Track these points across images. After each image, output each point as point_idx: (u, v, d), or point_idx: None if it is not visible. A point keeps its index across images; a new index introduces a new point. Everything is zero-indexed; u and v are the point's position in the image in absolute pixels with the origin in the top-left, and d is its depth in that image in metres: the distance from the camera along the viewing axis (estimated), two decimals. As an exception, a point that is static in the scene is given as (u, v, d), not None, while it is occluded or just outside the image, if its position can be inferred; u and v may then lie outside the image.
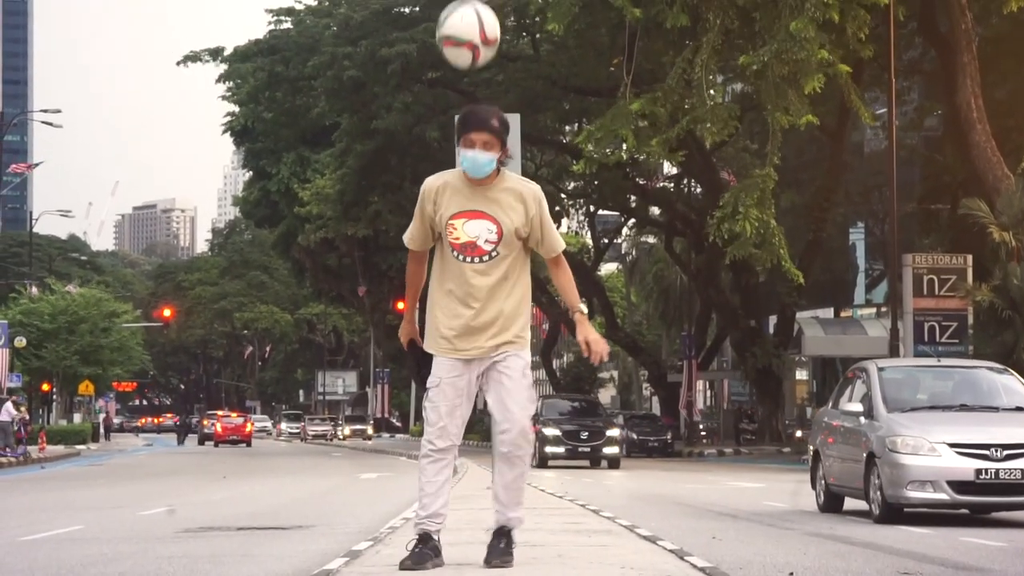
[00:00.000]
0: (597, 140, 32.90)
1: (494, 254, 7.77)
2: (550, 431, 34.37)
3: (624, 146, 32.51)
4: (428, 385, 7.93)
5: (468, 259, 7.77)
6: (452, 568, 7.99)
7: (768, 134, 32.05)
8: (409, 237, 7.97)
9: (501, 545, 7.93)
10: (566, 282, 7.99)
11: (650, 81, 34.26)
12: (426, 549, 7.95)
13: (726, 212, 31.62)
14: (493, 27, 7.93)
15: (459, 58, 8.01)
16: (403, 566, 7.92)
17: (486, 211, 7.76)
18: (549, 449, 34.13)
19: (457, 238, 7.76)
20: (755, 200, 31.14)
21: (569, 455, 34.25)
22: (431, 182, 7.90)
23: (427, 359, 8.01)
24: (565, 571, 7.94)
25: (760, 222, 31.40)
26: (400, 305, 70.87)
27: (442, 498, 7.97)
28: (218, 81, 59.97)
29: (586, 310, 7.98)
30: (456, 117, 8.00)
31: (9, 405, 47.02)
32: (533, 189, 7.87)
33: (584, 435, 34.33)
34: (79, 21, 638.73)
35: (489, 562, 7.88)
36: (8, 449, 43.70)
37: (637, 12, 31.00)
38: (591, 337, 7.87)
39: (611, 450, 34.58)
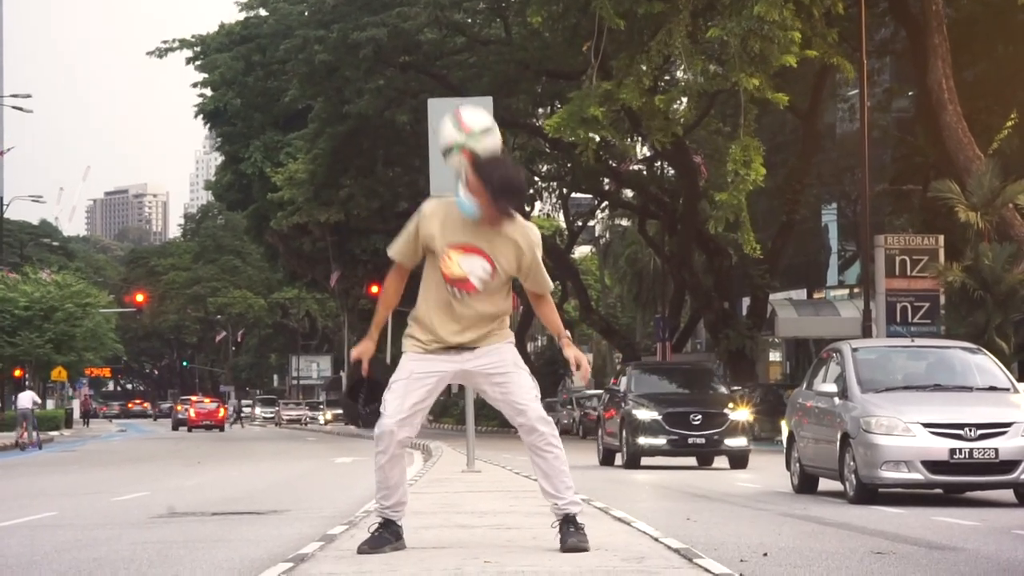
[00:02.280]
0: (564, 124, 32.89)
1: (481, 288, 7.80)
2: (644, 414, 24.27)
3: (593, 123, 32.10)
4: (395, 377, 7.89)
5: (457, 291, 7.78)
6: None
7: (740, 113, 32.16)
8: (396, 250, 7.90)
9: (571, 529, 7.93)
10: (550, 314, 8.08)
11: (617, 67, 34.23)
12: (386, 533, 8.03)
13: (737, 162, 31.53)
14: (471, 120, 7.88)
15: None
16: (360, 550, 8.01)
17: (484, 249, 7.74)
18: (643, 441, 24.04)
19: (450, 270, 7.74)
20: (761, 156, 31.37)
21: (674, 449, 24.21)
22: (433, 206, 7.86)
23: (364, 386, 8.04)
24: (540, 553, 7.94)
25: (745, 185, 31.47)
26: (374, 289, 70.76)
27: (401, 488, 8.00)
28: (189, 63, 59.68)
29: (570, 336, 8.07)
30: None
31: (32, 393, 47.55)
32: (530, 236, 7.82)
33: (696, 419, 24.15)
34: (50, 5, 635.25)
35: (565, 543, 7.87)
36: (30, 443, 44.16)
37: (621, 23, 31.17)
38: (580, 356, 7.96)
39: (736, 442, 24.13)
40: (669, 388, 26.10)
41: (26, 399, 45.98)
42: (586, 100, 31.95)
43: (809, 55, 31.13)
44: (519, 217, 7.82)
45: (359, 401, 8.19)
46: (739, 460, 24.14)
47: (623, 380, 26.39)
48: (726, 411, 24.37)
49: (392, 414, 7.79)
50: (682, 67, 31.63)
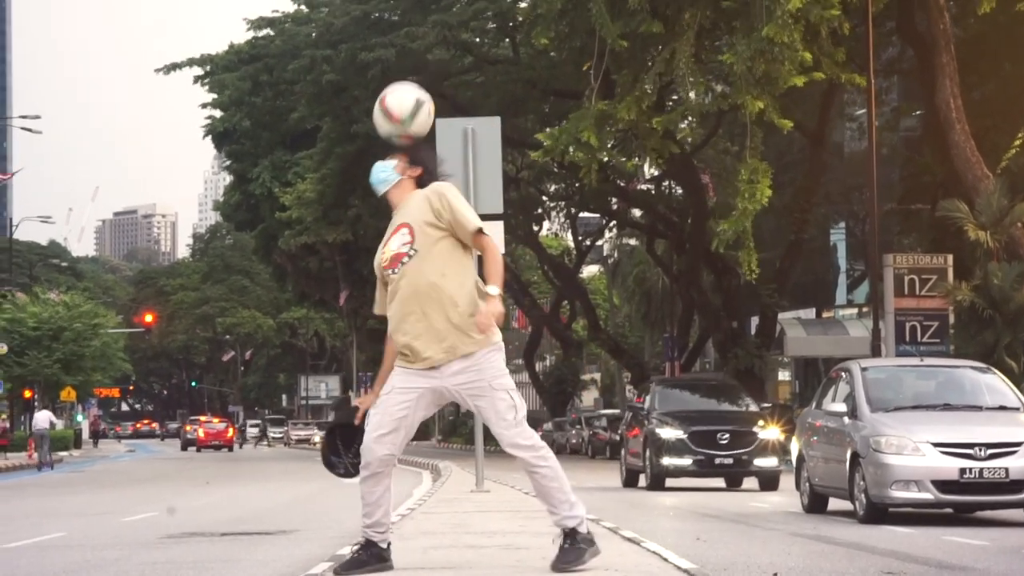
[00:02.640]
0: (556, 141, 32.88)
1: (411, 252, 7.72)
2: (668, 433, 23.07)
3: (586, 143, 31.98)
4: (381, 392, 7.90)
5: (395, 270, 7.78)
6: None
7: (747, 135, 32.16)
8: (376, 304, 8.03)
9: (567, 545, 7.88)
10: (487, 264, 7.74)
11: (620, 83, 34.21)
12: (365, 555, 7.93)
13: (744, 197, 31.62)
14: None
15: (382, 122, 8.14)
16: (335, 572, 7.95)
17: (399, 221, 7.85)
18: (668, 461, 22.91)
19: (386, 258, 7.83)
20: (769, 179, 31.43)
21: (700, 469, 23.02)
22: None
23: (342, 439, 8.09)
24: (550, 574, 7.93)
25: (750, 213, 31.49)
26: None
27: (383, 507, 7.91)
28: (196, 82, 59.81)
29: (496, 292, 7.65)
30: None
31: (49, 413, 48.52)
32: (435, 186, 7.87)
33: (724, 438, 22.93)
34: (58, 26, 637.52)
35: (579, 559, 7.85)
36: (44, 464, 44.81)
37: (624, 43, 31.24)
38: (481, 307, 7.63)
39: (766, 462, 22.95)
40: (695, 405, 24.67)
41: (43, 419, 46.77)
42: (581, 123, 31.86)
43: (817, 77, 31.13)
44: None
45: (341, 449, 8.17)
46: (769, 481, 22.91)
47: (647, 397, 24.97)
48: (755, 429, 23.19)
49: (372, 429, 7.78)
50: (684, 88, 31.54)
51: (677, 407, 24.07)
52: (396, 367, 7.85)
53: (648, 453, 23.14)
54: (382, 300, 7.96)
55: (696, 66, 31.57)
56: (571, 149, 33.33)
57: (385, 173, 7.97)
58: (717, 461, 22.85)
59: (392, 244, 7.82)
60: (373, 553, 7.93)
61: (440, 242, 7.72)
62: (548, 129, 51.73)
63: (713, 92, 33.94)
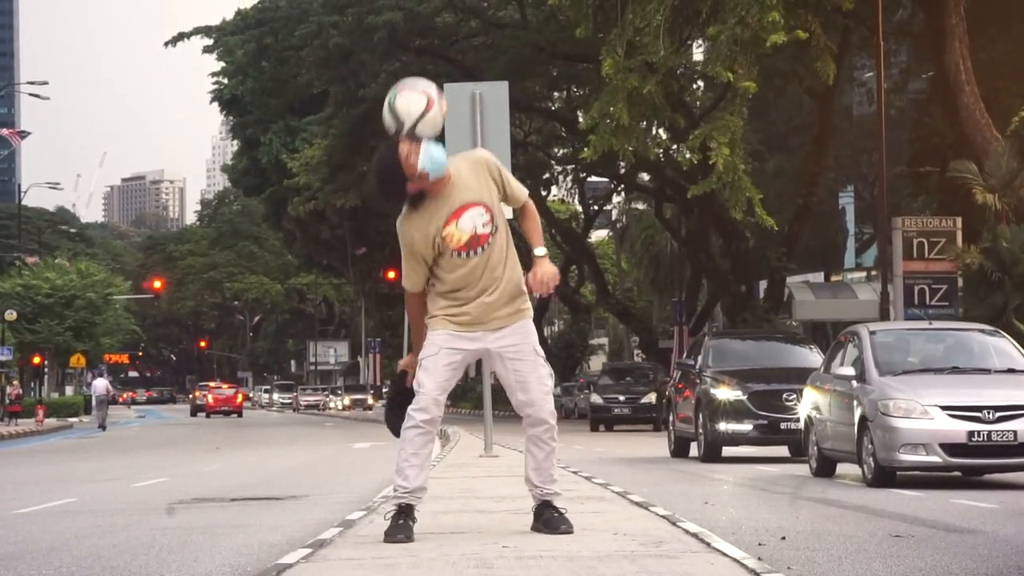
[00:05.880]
0: (597, 124, 32.41)
1: (494, 231, 7.78)
2: (726, 394, 20.10)
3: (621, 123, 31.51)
4: (425, 355, 7.86)
5: (476, 252, 7.74)
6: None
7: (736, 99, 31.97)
8: (410, 283, 7.88)
9: (556, 514, 8.14)
10: (532, 227, 8.00)
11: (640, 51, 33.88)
12: (409, 521, 7.97)
13: (694, 144, 31.60)
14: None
15: (414, 103, 7.80)
16: (395, 539, 7.88)
17: (466, 201, 7.73)
18: (725, 427, 19.92)
19: (460, 240, 7.71)
20: (726, 139, 30.96)
21: (762, 436, 20.01)
22: (399, 220, 7.81)
23: (402, 406, 7.97)
24: (558, 538, 7.95)
25: (731, 165, 31.18)
26: (391, 274, 70.84)
27: (426, 471, 7.97)
28: (205, 52, 59.79)
29: (544, 253, 7.89)
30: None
31: (106, 381, 51.87)
32: (482, 156, 7.94)
33: (790, 399, 19.34)
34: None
35: (557, 528, 8.09)
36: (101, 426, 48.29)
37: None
38: (539, 270, 7.80)
39: None
40: (756, 361, 21.26)
41: (101, 386, 51.40)
42: (614, 100, 31.29)
43: (800, 36, 30.54)
44: (461, 155, 8.04)
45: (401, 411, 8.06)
46: None
47: (699, 353, 21.76)
48: None
49: (430, 391, 7.81)
50: (653, 41, 30.87)
51: (735, 364, 21.00)
52: (439, 329, 7.83)
53: (701, 418, 20.28)
54: (417, 277, 7.84)
55: (670, 24, 31.04)
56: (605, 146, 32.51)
57: (446, 160, 7.73)
58: (783, 426, 19.61)
59: (466, 223, 7.70)
60: (413, 518, 7.98)
61: (503, 222, 7.87)
62: (558, 93, 51.37)
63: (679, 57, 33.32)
